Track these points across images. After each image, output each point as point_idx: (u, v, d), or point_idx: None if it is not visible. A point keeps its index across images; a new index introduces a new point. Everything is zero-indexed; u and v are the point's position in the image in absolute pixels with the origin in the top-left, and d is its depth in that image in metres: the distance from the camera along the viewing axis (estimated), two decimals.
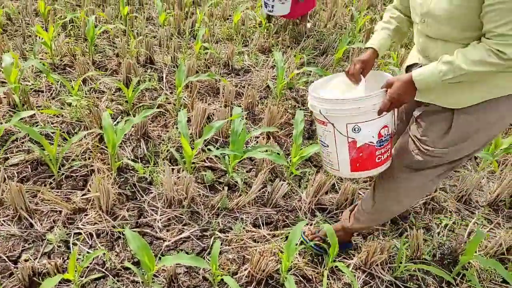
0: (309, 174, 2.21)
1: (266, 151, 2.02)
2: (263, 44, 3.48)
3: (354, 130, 1.32)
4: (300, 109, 2.26)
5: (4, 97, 2.39)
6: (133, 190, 2.02)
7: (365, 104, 1.26)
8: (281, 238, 1.85)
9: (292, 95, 2.91)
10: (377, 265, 1.76)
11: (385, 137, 1.37)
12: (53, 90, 2.60)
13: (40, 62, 2.61)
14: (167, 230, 1.83)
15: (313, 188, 2.02)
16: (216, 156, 2.23)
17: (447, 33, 1.20)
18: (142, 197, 1.99)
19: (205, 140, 2.17)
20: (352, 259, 1.79)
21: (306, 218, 1.97)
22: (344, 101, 1.28)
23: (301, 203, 2.05)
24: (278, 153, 2.12)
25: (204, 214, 1.93)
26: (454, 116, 1.25)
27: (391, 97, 1.25)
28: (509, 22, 1.03)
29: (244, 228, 1.88)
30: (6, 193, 1.76)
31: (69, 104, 2.47)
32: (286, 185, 2.00)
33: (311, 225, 1.94)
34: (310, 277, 1.71)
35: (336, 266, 1.73)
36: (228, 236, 1.84)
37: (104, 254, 1.65)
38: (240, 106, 2.64)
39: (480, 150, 1.38)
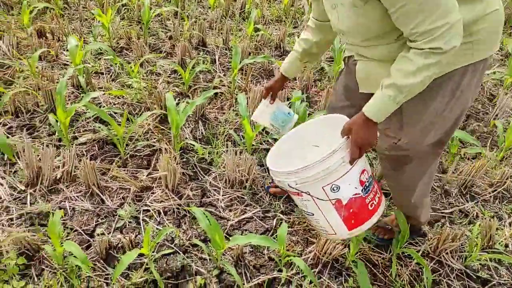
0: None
1: None
2: None
3: (333, 190, 1.21)
4: None
5: (68, 79, 2.48)
6: (194, 170, 2.05)
7: (332, 162, 1.15)
8: None
9: None
10: (446, 253, 1.70)
11: (368, 181, 1.26)
12: (112, 72, 2.67)
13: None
14: (230, 210, 1.86)
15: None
16: (274, 138, 2.23)
17: (364, 42, 1.18)
18: (204, 177, 2.03)
19: None
20: (420, 246, 1.75)
21: None
22: (308, 167, 1.16)
23: None
24: None
25: (265, 195, 1.94)
26: (403, 105, 1.16)
27: (356, 142, 1.16)
28: (425, 18, 0.98)
29: None
30: (80, 170, 1.84)
31: (129, 86, 2.53)
32: None
33: None
34: (376, 262, 1.68)
35: (403, 253, 1.69)
36: (290, 218, 1.84)
37: (172, 231, 1.70)
38: (294, 89, 2.61)
39: (450, 132, 1.31)
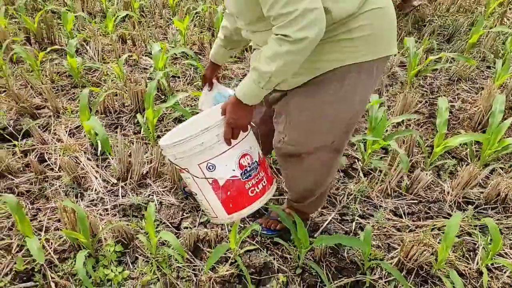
0: (450, 166, 2.09)
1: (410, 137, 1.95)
2: None
3: (209, 168, 1.20)
4: (441, 97, 2.13)
5: (149, 80, 2.65)
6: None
7: (206, 138, 1.15)
8: (424, 230, 1.78)
9: (419, 83, 2.77)
10: None
11: (250, 167, 1.24)
12: (188, 76, 2.81)
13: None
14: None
15: (458, 181, 1.91)
16: (349, 142, 2.22)
17: (249, 26, 1.15)
18: (278, 177, 2.07)
19: None
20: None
21: (452, 211, 1.87)
22: (184, 141, 1.15)
23: (444, 195, 1.95)
24: (418, 142, 2.03)
25: (341, 199, 1.94)
26: (288, 100, 1.17)
27: (228, 122, 1.15)
28: (277, 0, 0.94)
29: (384, 216, 1.85)
30: (167, 167, 1.96)
31: None
32: (428, 176, 1.91)
33: (463, 219, 1.82)
34: (463, 272, 1.62)
35: (492, 264, 1.62)
36: (369, 223, 1.82)
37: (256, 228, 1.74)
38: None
39: (343, 138, 1.28)
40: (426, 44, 2.89)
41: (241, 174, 1.25)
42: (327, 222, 1.82)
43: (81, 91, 2.54)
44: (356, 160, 2.15)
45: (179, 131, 1.45)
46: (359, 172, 2.07)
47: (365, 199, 1.94)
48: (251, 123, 1.27)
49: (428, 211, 1.89)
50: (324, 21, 0.98)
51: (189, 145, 1.17)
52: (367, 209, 1.90)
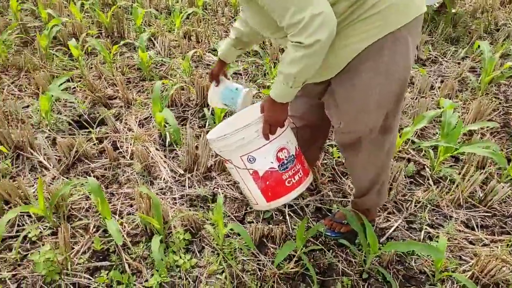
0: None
1: (486, 148, 1.85)
2: (450, 33, 3.21)
3: (250, 160, 1.33)
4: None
5: None
6: (332, 172, 2.08)
7: (247, 134, 1.28)
8: (501, 245, 1.69)
9: (491, 90, 2.62)
10: None
11: (287, 159, 1.35)
12: (249, 73, 2.84)
13: None
14: None
15: None
16: (416, 148, 2.15)
17: (274, 34, 1.19)
18: (341, 179, 2.04)
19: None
20: None
21: None
22: (226, 136, 1.29)
23: None
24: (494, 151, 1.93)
25: (408, 206, 1.88)
26: (333, 87, 1.22)
27: (265, 119, 1.27)
28: (284, 12, 1.00)
29: (455, 227, 1.77)
30: None
31: (265, 87, 2.66)
32: (506, 188, 1.81)
33: None
34: None
35: None
36: (438, 233, 1.76)
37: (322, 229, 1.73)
38: (433, 98, 2.49)
39: (395, 112, 1.27)
40: (501, 49, 2.72)
41: (278, 166, 1.36)
42: (393, 229, 1.77)
43: (150, 84, 2.66)
44: (424, 167, 2.08)
45: (224, 125, 1.58)
46: (427, 179, 2.00)
47: (434, 208, 1.86)
48: (290, 119, 1.40)
49: (504, 225, 1.78)
50: (332, 21, 1.02)
51: (232, 139, 1.30)
52: (436, 218, 1.83)
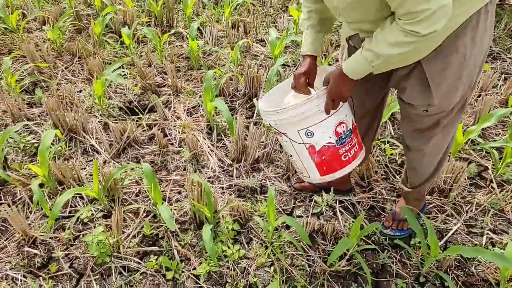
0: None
1: None
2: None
3: (307, 135, 1.28)
4: None
5: (261, 66, 2.67)
6: (385, 170, 1.99)
7: (307, 107, 1.22)
8: None
9: None
10: None
11: (345, 134, 1.32)
12: (298, 65, 2.78)
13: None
14: (430, 218, 1.74)
15: None
16: (476, 149, 2.02)
17: (363, 18, 1.14)
18: (394, 177, 1.95)
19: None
20: None
21: None
22: (286, 109, 1.23)
23: None
24: None
25: (468, 209, 1.76)
26: (424, 68, 1.15)
27: (330, 93, 1.22)
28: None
29: None
30: (282, 154, 1.95)
31: None
32: None
33: None
34: None
35: None
36: (502, 239, 1.63)
37: (376, 228, 1.66)
38: (495, 96, 2.33)
39: (475, 83, 1.24)
40: None
41: (336, 141, 1.32)
42: (452, 232, 1.67)
43: (198, 73, 2.66)
44: (486, 169, 1.94)
45: (276, 93, 1.50)
46: (490, 182, 1.87)
47: (498, 212, 1.74)
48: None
49: None
50: (450, 10, 0.96)
51: (291, 113, 1.25)
52: (499, 224, 1.70)
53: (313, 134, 1.28)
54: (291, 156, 1.43)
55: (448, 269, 1.51)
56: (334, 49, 2.91)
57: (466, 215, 1.74)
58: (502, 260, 1.29)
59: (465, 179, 1.86)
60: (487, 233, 1.66)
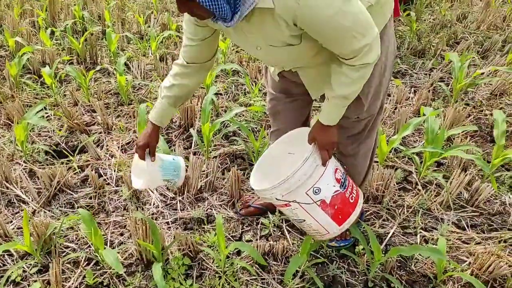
0: (507, 178, 2.07)
1: (467, 151, 1.94)
2: (415, 47, 3.39)
3: (315, 192, 1.31)
4: (495, 110, 2.13)
5: (195, 98, 2.69)
6: None
7: (307, 167, 1.26)
8: (494, 242, 1.75)
9: (461, 97, 2.77)
10: None
11: (343, 178, 1.38)
12: (229, 93, 2.85)
13: None
14: (368, 225, 1.86)
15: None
16: (400, 156, 2.22)
17: (301, 65, 1.28)
18: None
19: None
20: None
21: None
22: (289, 178, 1.26)
23: (506, 207, 1.92)
24: (477, 156, 2.02)
25: (400, 211, 1.92)
26: None
27: (322, 146, 1.30)
28: (348, 43, 1.06)
29: (448, 228, 1.82)
30: (226, 180, 1.96)
31: (247, 105, 2.67)
32: (489, 188, 1.89)
33: None
34: None
35: None
36: (433, 235, 1.79)
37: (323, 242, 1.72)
38: (409, 107, 2.60)
39: (388, 83, 1.41)
40: (467, 58, 2.89)
41: (340, 187, 1.36)
42: (390, 235, 1.79)
43: (129, 108, 2.60)
44: (410, 173, 2.14)
45: (261, 170, 1.50)
46: (415, 185, 2.06)
47: (426, 211, 1.91)
48: None
49: (492, 223, 1.85)
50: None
51: (294, 179, 1.26)
52: (429, 221, 1.87)
53: (320, 189, 1.31)
54: (303, 221, 1.41)
55: (391, 271, 1.62)
56: (262, 75, 3.03)
57: (400, 217, 1.88)
58: (436, 253, 1.42)
59: (394, 184, 2.03)
60: (420, 232, 1.81)
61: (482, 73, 2.88)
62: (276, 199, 1.32)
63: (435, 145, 1.92)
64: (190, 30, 1.29)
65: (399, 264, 1.67)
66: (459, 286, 1.57)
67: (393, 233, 1.81)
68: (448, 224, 1.84)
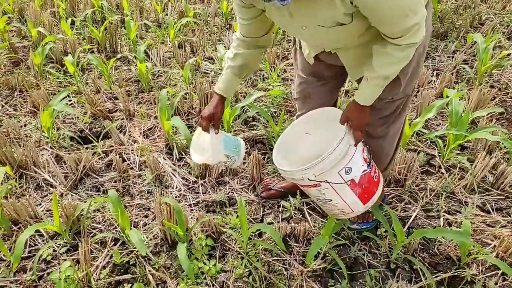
0: None
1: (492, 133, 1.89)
2: (438, 29, 3.30)
3: (347, 172, 1.32)
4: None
5: (212, 84, 2.71)
6: None
7: (341, 147, 1.27)
8: None
9: (485, 80, 2.69)
10: None
11: (368, 158, 1.39)
12: (249, 79, 2.84)
13: None
14: (390, 208, 1.84)
15: None
16: (422, 140, 2.18)
17: (345, 46, 1.27)
18: None
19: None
20: None
21: None
22: (324, 159, 1.27)
23: None
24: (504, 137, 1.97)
25: (423, 195, 1.90)
26: None
27: (356, 126, 1.30)
28: (398, 23, 1.05)
29: (472, 211, 1.79)
30: (246, 166, 1.98)
31: (265, 90, 2.67)
32: None
33: None
34: None
35: None
36: (457, 218, 1.77)
37: (344, 224, 1.72)
38: (431, 90, 2.55)
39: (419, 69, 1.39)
40: (492, 39, 2.81)
41: (367, 166, 1.38)
42: (412, 218, 1.78)
43: (150, 95, 2.64)
44: (433, 157, 2.10)
45: (279, 150, 1.50)
46: (438, 168, 2.03)
47: (449, 195, 1.89)
48: None
49: None
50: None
51: (329, 159, 1.28)
52: (452, 205, 1.85)
53: (351, 169, 1.33)
54: (329, 201, 1.42)
55: (414, 253, 1.61)
56: (281, 60, 3.02)
57: (422, 201, 1.86)
58: (460, 236, 1.40)
59: (417, 168, 2.00)
60: (443, 215, 1.79)
61: (508, 55, 2.79)
62: (308, 179, 1.32)
63: (459, 127, 1.88)
64: (239, 10, 1.30)
65: (422, 247, 1.66)
66: (484, 269, 1.56)
67: (416, 216, 1.80)
68: (472, 208, 1.81)
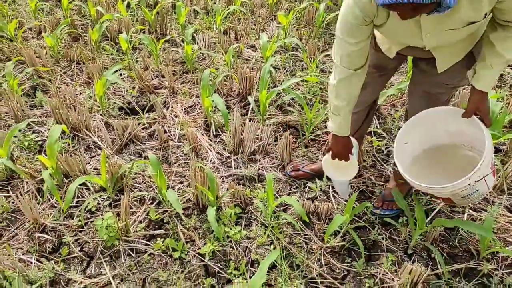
0: None
1: None
2: None
3: (493, 164, 1.37)
4: None
5: (254, 70, 2.82)
6: (373, 159, 2.14)
7: (489, 145, 1.30)
8: None
9: None
10: None
11: None
12: (287, 68, 2.94)
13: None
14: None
15: None
16: None
17: (454, 41, 1.29)
18: (382, 166, 2.10)
19: None
20: None
21: None
22: (483, 164, 1.27)
23: None
24: None
25: None
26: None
27: (486, 113, 1.36)
28: None
29: (498, 211, 1.80)
30: (277, 146, 2.08)
31: (302, 80, 2.75)
32: None
33: None
34: None
35: None
36: (481, 216, 1.79)
37: (367, 208, 1.79)
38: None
39: None
40: None
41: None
42: (436, 210, 1.81)
43: (194, 75, 2.80)
44: None
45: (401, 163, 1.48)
46: None
47: None
48: None
49: None
50: None
51: (484, 164, 1.30)
52: (479, 203, 1.86)
53: (492, 157, 1.36)
54: (476, 191, 1.39)
55: (433, 242, 1.65)
56: (321, 52, 3.08)
57: None
58: (481, 230, 1.43)
59: None
60: (468, 211, 1.81)
61: None
62: (469, 184, 1.31)
63: (494, 127, 1.88)
64: (352, 32, 1.29)
65: (442, 238, 1.69)
66: (503, 266, 1.57)
67: (440, 209, 1.82)
68: (499, 207, 1.81)
